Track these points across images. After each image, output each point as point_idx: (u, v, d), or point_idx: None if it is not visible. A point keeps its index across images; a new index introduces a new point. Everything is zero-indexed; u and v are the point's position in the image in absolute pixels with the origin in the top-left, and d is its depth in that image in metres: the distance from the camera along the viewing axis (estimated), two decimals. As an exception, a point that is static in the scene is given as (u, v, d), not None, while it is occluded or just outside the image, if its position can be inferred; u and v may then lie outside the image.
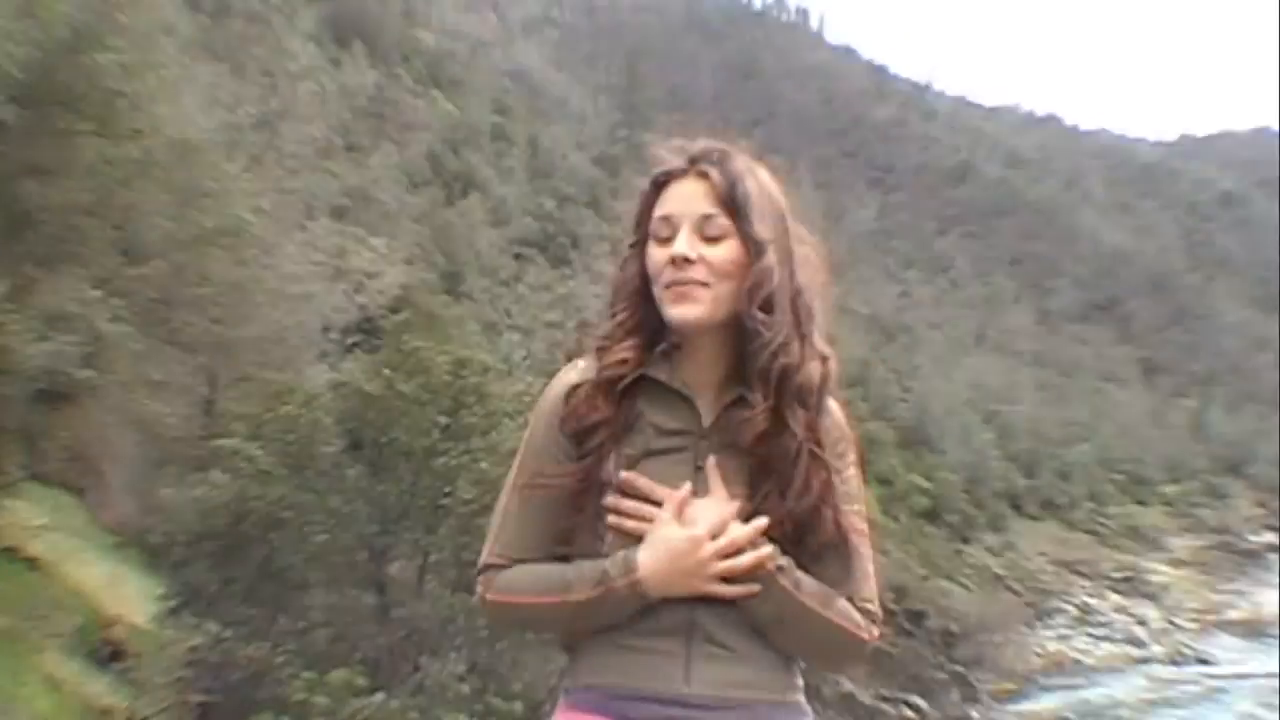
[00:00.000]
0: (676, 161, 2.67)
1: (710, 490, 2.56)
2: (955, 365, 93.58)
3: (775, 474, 2.55)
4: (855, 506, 2.65)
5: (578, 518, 2.61)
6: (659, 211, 2.64)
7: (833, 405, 2.70)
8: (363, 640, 15.63)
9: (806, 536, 2.57)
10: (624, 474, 2.56)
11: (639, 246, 2.67)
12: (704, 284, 2.56)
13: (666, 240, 2.60)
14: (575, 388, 2.65)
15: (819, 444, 2.60)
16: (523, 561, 2.64)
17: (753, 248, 2.59)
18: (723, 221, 2.60)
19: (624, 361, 2.61)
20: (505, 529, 2.68)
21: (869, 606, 2.62)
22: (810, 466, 2.55)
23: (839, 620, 2.57)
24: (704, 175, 2.63)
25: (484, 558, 2.69)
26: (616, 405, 2.60)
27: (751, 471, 2.57)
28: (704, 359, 2.63)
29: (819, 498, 2.56)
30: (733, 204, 2.60)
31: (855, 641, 2.60)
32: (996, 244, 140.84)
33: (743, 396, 2.60)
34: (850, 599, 2.61)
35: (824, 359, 2.66)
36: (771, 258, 2.60)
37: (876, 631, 2.63)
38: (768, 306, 2.58)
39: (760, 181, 2.67)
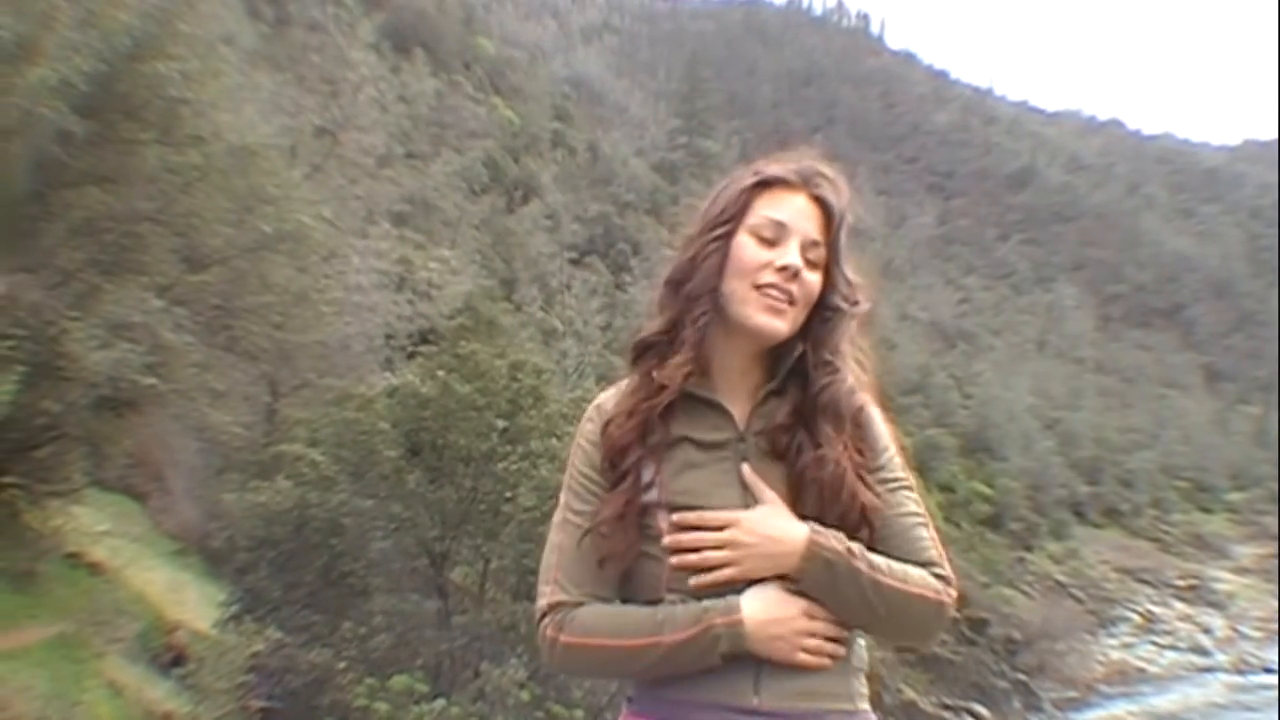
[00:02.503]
0: (790, 172, 2.64)
1: (758, 497, 2.52)
2: (1016, 372, 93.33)
3: (817, 495, 2.52)
4: (903, 490, 2.63)
5: (627, 552, 2.57)
6: (769, 211, 2.59)
7: (870, 407, 2.68)
8: (424, 646, 15.64)
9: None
10: (674, 516, 2.51)
11: (725, 239, 2.61)
12: (794, 302, 2.55)
13: (771, 243, 2.57)
14: (611, 420, 2.63)
15: (863, 462, 2.58)
16: (591, 600, 2.60)
17: (841, 289, 2.61)
18: (823, 252, 2.59)
19: (687, 374, 2.58)
20: (565, 566, 2.63)
21: (940, 571, 2.57)
22: (854, 490, 2.52)
23: (919, 590, 2.52)
24: (818, 200, 2.61)
25: (549, 596, 2.63)
26: (651, 428, 2.58)
27: (792, 485, 2.54)
28: (736, 369, 2.62)
29: (864, 514, 2.53)
30: (835, 240, 2.60)
31: (937, 606, 2.54)
32: (1058, 250, 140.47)
33: (772, 395, 2.60)
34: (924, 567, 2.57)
35: (862, 378, 2.66)
36: (856, 305, 2.63)
37: (954, 592, 2.58)
38: (838, 353, 2.60)
39: (852, 212, 2.66)
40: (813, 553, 2.44)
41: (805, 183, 2.61)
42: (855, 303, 2.62)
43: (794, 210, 2.59)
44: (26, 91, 14.84)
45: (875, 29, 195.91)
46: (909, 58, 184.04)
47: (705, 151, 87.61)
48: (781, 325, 2.54)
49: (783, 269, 2.53)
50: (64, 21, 15.59)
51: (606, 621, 2.55)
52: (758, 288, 2.54)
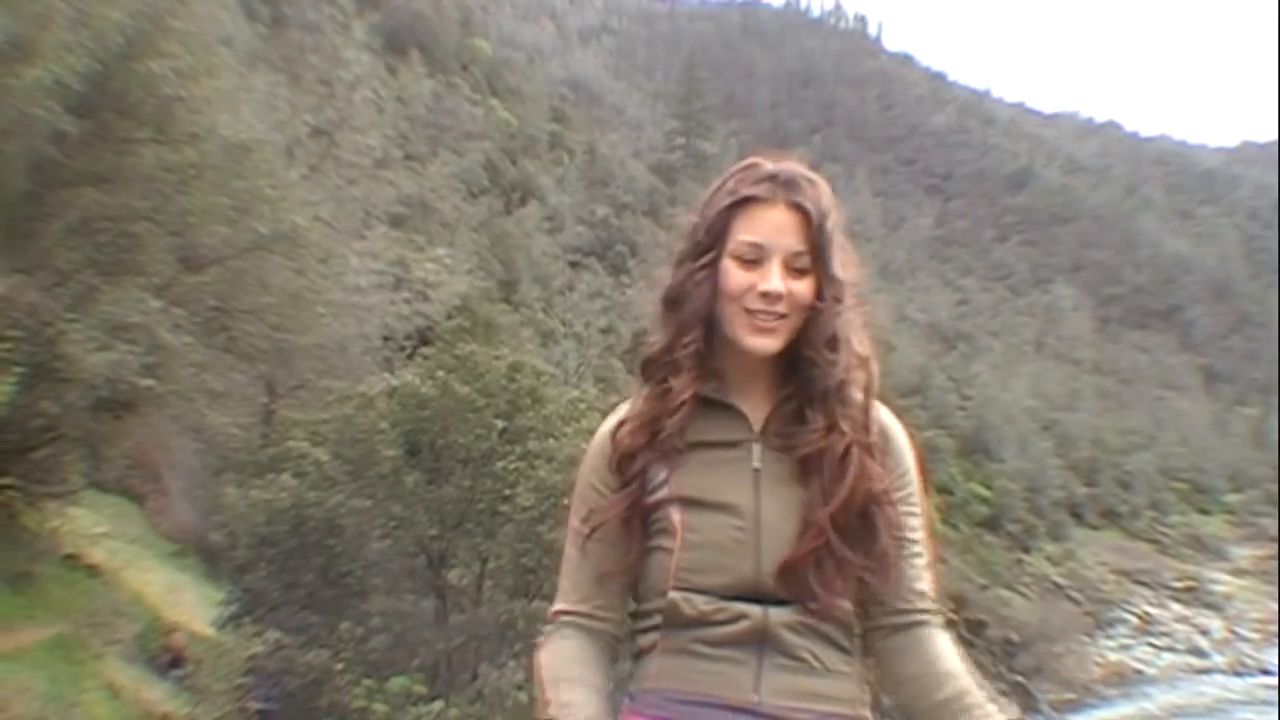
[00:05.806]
0: (763, 188, 2.60)
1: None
2: (1014, 373, 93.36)
3: (822, 475, 2.50)
4: (911, 516, 2.62)
5: (633, 552, 2.57)
6: (745, 234, 2.57)
7: (885, 413, 2.67)
8: (421, 647, 15.63)
9: (864, 536, 2.50)
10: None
11: (711, 266, 2.60)
12: (784, 316, 2.53)
13: (752, 264, 2.55)
14: (621, 424, 2.63)
15: (869, 445, 2.56)
16: (587, 613, 2.64)
17: (829, 289, 2.57)
18: (808, 259, 2.56)
19: (693, 394, 2.58)
20: (568, 575, 2.69)
21: (929, 604, 2.60)
22: (860, 467, 2.50)
23: None
24: (795, 208, 2.57)
25: (556, 603, 2.69)
26: (664, 435, 2.57)
27: (801, 473, 2.53)
28: (746, 373, 2.61)
29: (871, 497, 2.51)
30: (819, 243, 2.56)
31: None
32: (1056, 251, 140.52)
33: (789, 398, 2.58)
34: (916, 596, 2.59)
35: (867, 365, 2.62)
36: (843, 300, 2.59)
37: (940, 619, 2.61)
38: (833, 344, 2.56)
39: (835, 209, 2.62)
40: None
41: (781, 192, 2.58)
42: (840, 300, 2.59)
43: (771, 228, 2.56)
44: (22, 92, 14.84)
45: (873, 30, 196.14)
46: (907, 59, 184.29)
47: (703, 153, 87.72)
48: (770, 342, 2.53)
49: (764, 295, 2.52)
50: (58, 22, 15.58)
51: (549, 665, 2.63)
52: (747, 311, 2.53)
